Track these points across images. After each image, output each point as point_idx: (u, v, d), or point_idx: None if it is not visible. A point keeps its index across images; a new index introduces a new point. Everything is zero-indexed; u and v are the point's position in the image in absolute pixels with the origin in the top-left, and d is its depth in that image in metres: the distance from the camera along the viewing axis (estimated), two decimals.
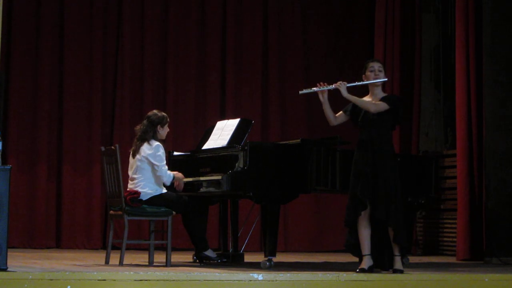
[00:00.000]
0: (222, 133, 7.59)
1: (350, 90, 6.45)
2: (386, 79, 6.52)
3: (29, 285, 5.36)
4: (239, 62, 11.13)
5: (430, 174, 8.01)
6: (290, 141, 7.30)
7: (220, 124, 7.78)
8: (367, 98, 6.54)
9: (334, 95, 6.57)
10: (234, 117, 7.95)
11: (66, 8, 10.60)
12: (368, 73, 6.48)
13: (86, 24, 10.66)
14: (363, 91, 6.63)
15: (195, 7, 11.03)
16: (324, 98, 6.48)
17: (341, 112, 6.59)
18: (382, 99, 6.41)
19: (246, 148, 6.91)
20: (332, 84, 6.45)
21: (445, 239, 10.23)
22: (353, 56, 11.48)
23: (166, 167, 7.22)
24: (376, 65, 6.48)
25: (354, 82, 6.49)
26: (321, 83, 6.49)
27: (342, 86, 6.41)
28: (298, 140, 7.16)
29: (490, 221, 8.62)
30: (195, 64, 11.00)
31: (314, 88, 6.47)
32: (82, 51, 10.62)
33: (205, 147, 7.68)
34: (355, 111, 6.50)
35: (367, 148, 6.40)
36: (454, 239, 9.57)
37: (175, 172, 7.28)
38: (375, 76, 6.45)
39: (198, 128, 10.53)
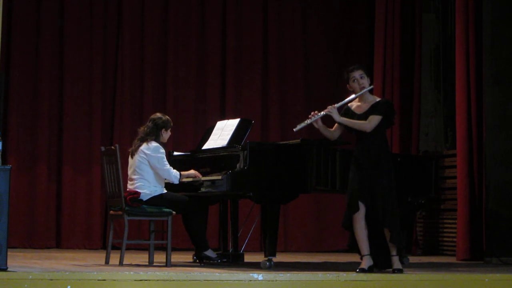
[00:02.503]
0: (222, 133, 7.59)
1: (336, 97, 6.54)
2: (372, 87, 6.56)
3: (29, 285, 5.36)
4: (239, 62, 11.13)
5: (430, 174, 8.01)
6: (290, 141, 7.30)
7: (220, 124, 7.78)
8: (357, 103, 6.60)
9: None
10: (234, 117, 7.95)
11: (66, 8, 10.60)
12: (352, 84, 6.52)
13: (86, 24, 10.67)
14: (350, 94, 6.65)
15: (195, 7, 11.03)
16: (319, 125, 6.54)
17: (336, 125, 6.64)
18: (371, 110, 6.45)
19: (246, 148, 6.91)
20: (322, 111, 6.50)
21: (445, 239, 10.23)
22: (353, 56, 11.48)
23: (169, 167, 7.21)
24: (357, 74, 6.50)
25: (342, 100, 6.54)
26: (312, 112, 6.52)
27: (333, 111, 6.47)
28: (298, 140, 7.16)
29: (490, 221, 8.62)
30: (195, 64, 11.00)
31: (307, 121, 6.50)
32: (82, 51, 10.62)
33: (205, 147, 7.68)
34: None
35: (364, 154, 6.45)
36: (454, 239, 9.56)
37: (186, 173, 7.27)
38: (360, 85, 6.48)
39: (198, 128, 10.53)
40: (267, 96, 11.21)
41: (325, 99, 11.12)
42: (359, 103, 6.57)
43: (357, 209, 6.38)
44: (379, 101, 6.60)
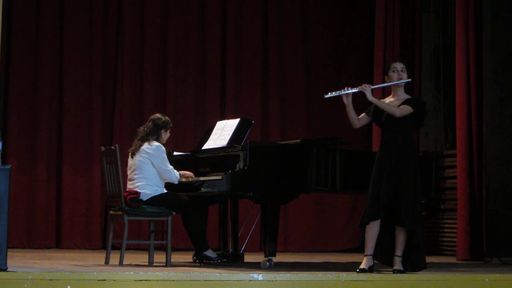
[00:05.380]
0: (222, 133, 7.59)
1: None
2: (410, 80, 6.53)
3: (29, 285, 5.35)
4: (239, 62, 11.13)
5: (430, 174, 8.01)
6: (290, 141, 7.30)
7: (220, 124, 7.78)
8: (389, 99, 6.57)
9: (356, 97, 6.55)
10: (234, 117, 7.95)
11: (66, 8, 10.59)
12: (391, 74, 6.47)
13: (86, 24, 10.66)
14: (385, 91, 6.62)
15: (195, 7, 11.03)
16: (348, 101, 6.44)
17: (363, 114, 6.57)
18: (406, 102, 6.41)
19: (246, 148, 6.91)
20: (357, 87, 6.43)
21: (445, 239, 10.23)
22: (353, 56, 11.49)
23: (171, 168, 7.21)
24: (398, 66, 6.48)
25: (378, 84, 6.50)
26: (346, 87, 6.48)
27: (367, 89, 6.39)
28: (298, 140, 7.15)
29: (490, 221, 8.62)
30: (195, 64, 11.00)
31: (339, 92, 6.43)
32: (82, 51, 10.61)
33: (205, 147, 7.67)
34: (378, 112, 6.48)
35: (391, 149, 6.39)
36: (454, 239, 9.56)
37: (182, 172, 7.29)
38: (398, 76, 6.45)
39: (198, 128, 10.53)
40: (267, 96, 11.21)
41: (325, 99, 11.14)
42: (391, 99, 6.52)
43: (378, 217, 6.33)
44: (412, 97, 6.58)
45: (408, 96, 6.54)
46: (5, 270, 5.65)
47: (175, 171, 7.23)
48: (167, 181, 7.30)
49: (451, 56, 10.45)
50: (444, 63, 11.02)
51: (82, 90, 10.59)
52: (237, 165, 6.95)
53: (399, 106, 6.41)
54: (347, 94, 6.40)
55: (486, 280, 6.20)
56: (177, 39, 10.95)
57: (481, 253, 8.79)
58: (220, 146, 7.43)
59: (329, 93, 6.47)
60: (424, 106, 6.53)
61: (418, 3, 10.92)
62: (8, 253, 5.79)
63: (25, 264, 6.93)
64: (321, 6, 11.50)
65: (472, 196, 9.07)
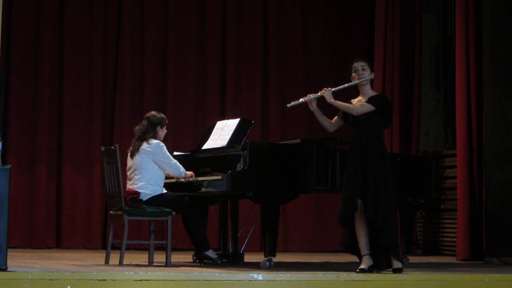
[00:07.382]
0: (222, 133, 7.59)
1: (340, 94, 6.48)
2: (370, 77, 6.52)
3: (29, 285, 5.36)
4: (239, 62, 11.13)
5: (430, 174, 8.02)
6: (290, 141, 7.30)
7: (220, 124, 7.78)
8: (357, 98, 6.58)
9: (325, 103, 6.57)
10: (234, 117, 7.95)
11: (66, 9, 10.60)
12: (353, 74, 6.52)
13: (86, 24, 10.67)
14: (356, 92, 6.64)
15: (195, 7, 11.04)
16: (313, 108, 6.52)
17: (336, 117, 6.62)
18: (368, 100, 6.43)
19: (246, 148, 6.91)
20: (318, 92, 6.48)
21: (445, 239, 10.24)
22: (353, 56, 11.42)
23: (176, 161, 7.21)
24: (359, 65, 6.50)
25: (338, 86, 6.54)
26: (308, 94, 6.53)
27: (326, 93, 6.44)
28: (298, 140, 7.16)
29: (490, 221, 8.62)
30: (195, 64, 11.00)
31: (301, 99, 6.52)
32: (82, 51, 10.62)
33: (205, 147, 7.68)
34: (345, 113, 6.53)
35: (357, 148, 6.42)
36: (454, 239, 9.57)
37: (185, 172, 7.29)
38: (359, 76, 6.47)
39: (198, 128, 10.54)
40: (267, 96, 11.21)
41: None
42: (360, 98, 6.55)
43: (356, 208, 6.35)
44: (375, 95, 6.59)
45: (374, 93, 6.55)
46: (5, 270, 5.65)
47: (180, 166, 7.23)
48: (171, 175, 7.28)
49: (451, 56, 10.46)
50: (444, 63, 11.02)
51: (82, 90, 10.59)
52: (237, 165, 6.95)
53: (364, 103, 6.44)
54: (310, 101, 6.47)
55: (486, 280, 6.20)
56: (177, 39, 10.95)
57: (481, 253, 8.79)
58: (220, 146, 7.43)
59: (292, 102, 6.58)
60: (386, 103, 6.52)
61: (418, 3, 10.92)
62: (8, 253, 5.80)
63: (25, 264, 6.93)
64: (321, 6, 11.51)
65: (472, 196, 9.07)
